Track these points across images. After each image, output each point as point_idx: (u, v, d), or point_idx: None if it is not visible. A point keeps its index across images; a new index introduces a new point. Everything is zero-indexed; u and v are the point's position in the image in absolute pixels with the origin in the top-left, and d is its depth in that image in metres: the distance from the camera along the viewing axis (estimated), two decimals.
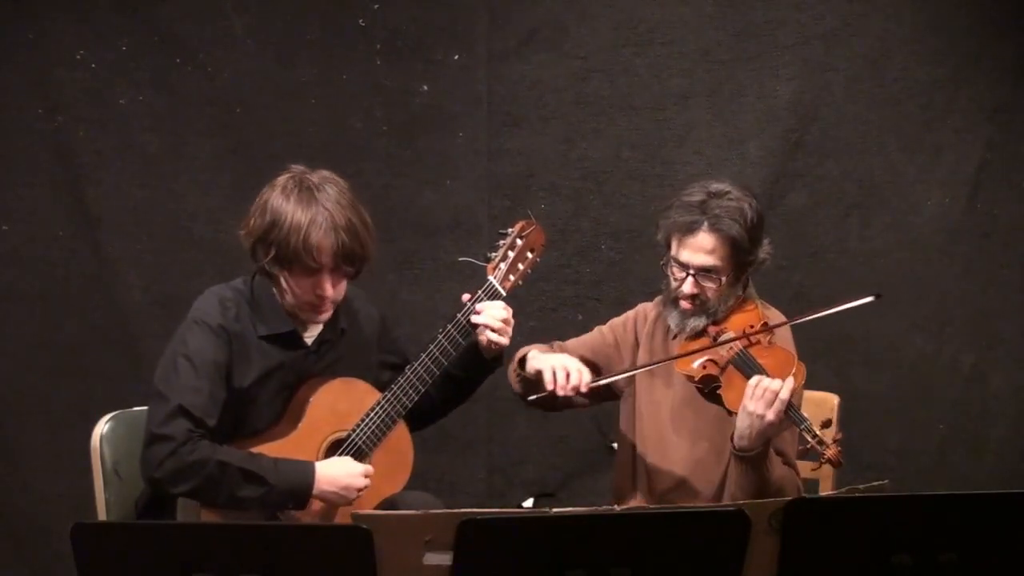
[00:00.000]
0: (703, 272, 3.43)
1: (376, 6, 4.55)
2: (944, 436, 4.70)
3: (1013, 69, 4.62)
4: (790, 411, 3.25)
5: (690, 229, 3.41)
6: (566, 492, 4.56)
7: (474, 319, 3.41)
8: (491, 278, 3.48)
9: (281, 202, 3.24)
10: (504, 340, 3.43)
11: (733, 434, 3.33)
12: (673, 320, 3.51)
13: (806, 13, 4.58)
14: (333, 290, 3.28)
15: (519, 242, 3.52)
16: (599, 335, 3.68)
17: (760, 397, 3.24)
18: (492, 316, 3.42)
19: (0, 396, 4.47)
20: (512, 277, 3.50)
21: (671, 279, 3.49)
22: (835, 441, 3.22)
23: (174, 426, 3.18)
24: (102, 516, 3.43)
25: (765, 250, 3.49)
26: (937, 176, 4.64)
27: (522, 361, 3.58)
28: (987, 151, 4.64)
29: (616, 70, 4.60)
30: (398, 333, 3.63)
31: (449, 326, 3.41)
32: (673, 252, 3.46)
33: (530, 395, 3.52)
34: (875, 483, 3.13)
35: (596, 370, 3.59)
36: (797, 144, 4.60)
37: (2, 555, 4.49)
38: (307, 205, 3.22)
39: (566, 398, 3.46)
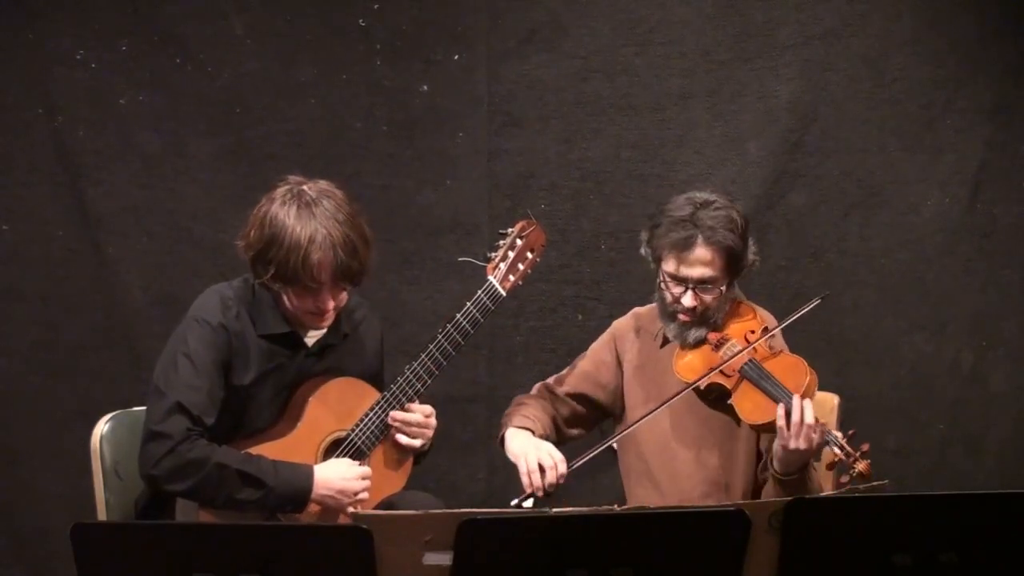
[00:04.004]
0: (701, 284, 3.44)
1: (376, 6, 4.55)
2: (944, 436, 4.69)
3: (1013, 69, 4.62)
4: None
5: (687, 245, 3.41)
6: (566, 492, 4.55)
7: (390, 420, 3.37)
8: (491, 278, 3.48)
9: (278, 218, 3.19)
10: (415, 443, 3.40)
11: (771, 459, 3.36)
12: (672, 332, 3.52)
13: (806, 13, 4.58)
14: (334, 302, 3.28)
15: (519, 242, 3.52)
16: (585, 366, 3.65)
17: (799, 435, 3.27)
18: (405, 420, 3.37)
19: (0, 396, 4.46)
20: (512, 277, 3.50)
21: (666, 293, 3.49)
22: (863, 453, 3.25)
23: (172, 423, 3.18)
24: (102, 516, 3.43)
25: (753, 252, 3.51)
26: (937, 176, 4.64)
27: (503, 439, 3.56)
28: (987, 151, 4.63)
29: (616, 70, 4.59)
30: (385, 368, 3.61)
31: (449, 326, 3.41)
32: (669, 268, 3.45)
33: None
34: (875, 483, 3.14)
35: (590, 403, 3.62)
36: (797, 144, 4.60)
37: (2, 555, 4.48)
38: (305, 222, 3.18)
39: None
